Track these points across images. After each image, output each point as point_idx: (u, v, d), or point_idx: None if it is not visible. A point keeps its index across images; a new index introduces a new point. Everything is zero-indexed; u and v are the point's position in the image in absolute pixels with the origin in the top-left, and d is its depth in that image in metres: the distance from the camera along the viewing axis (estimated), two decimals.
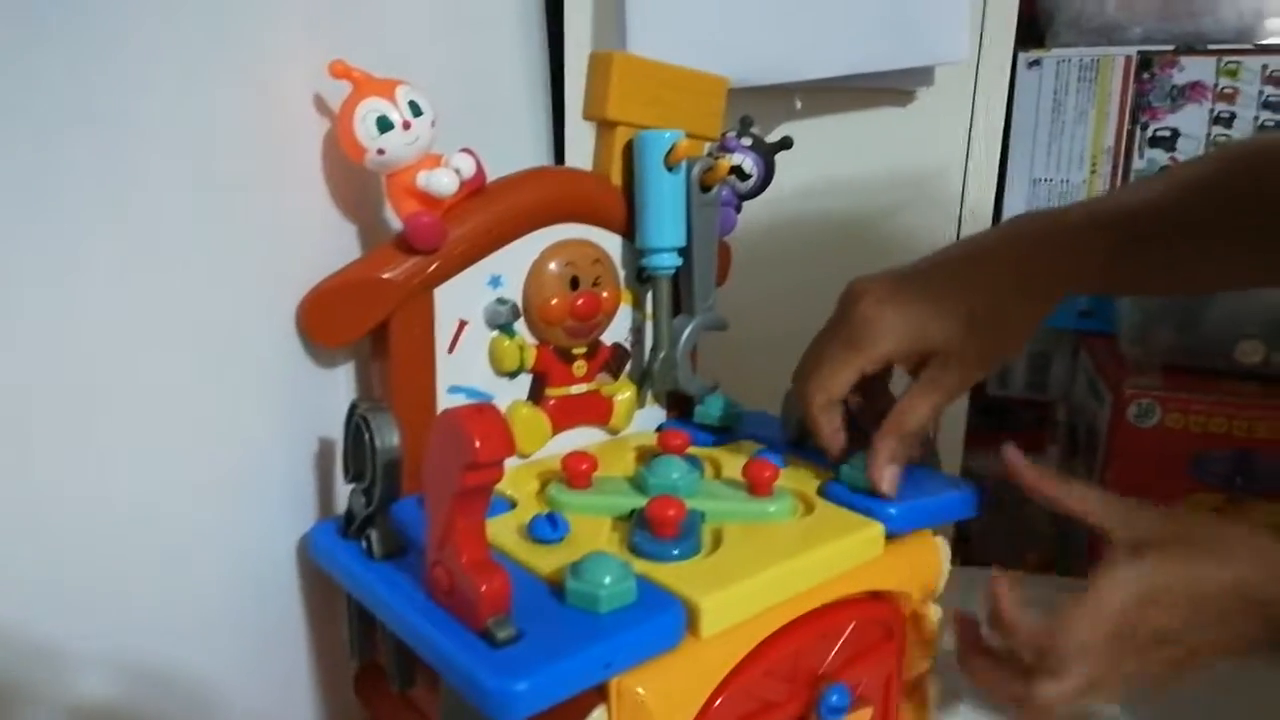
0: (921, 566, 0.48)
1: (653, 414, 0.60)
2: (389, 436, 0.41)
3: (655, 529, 0.43)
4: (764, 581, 0.41)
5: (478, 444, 0.34)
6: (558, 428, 0.54)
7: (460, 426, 0.34)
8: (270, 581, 0.47)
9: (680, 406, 0.60)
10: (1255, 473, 0.77)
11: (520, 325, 0.52)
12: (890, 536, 0.46)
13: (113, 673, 0.40)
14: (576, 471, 0.48)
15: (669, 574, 0.41)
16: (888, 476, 0.48)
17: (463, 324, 0.49)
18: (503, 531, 0.44)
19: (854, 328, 0.49)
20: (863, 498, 0.48)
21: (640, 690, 0.37)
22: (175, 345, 0.41)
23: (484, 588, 0.36)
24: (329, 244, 0.49)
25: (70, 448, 0.37)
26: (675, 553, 0.42)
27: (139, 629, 0.40)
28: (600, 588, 0.38)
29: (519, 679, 0.34)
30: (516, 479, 0.51)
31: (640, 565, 0.41)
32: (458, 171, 0.46)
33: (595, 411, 0.56)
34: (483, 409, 0.35)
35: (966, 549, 0.93)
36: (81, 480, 0.37)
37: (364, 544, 0.43)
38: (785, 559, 0.42)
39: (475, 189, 0.48)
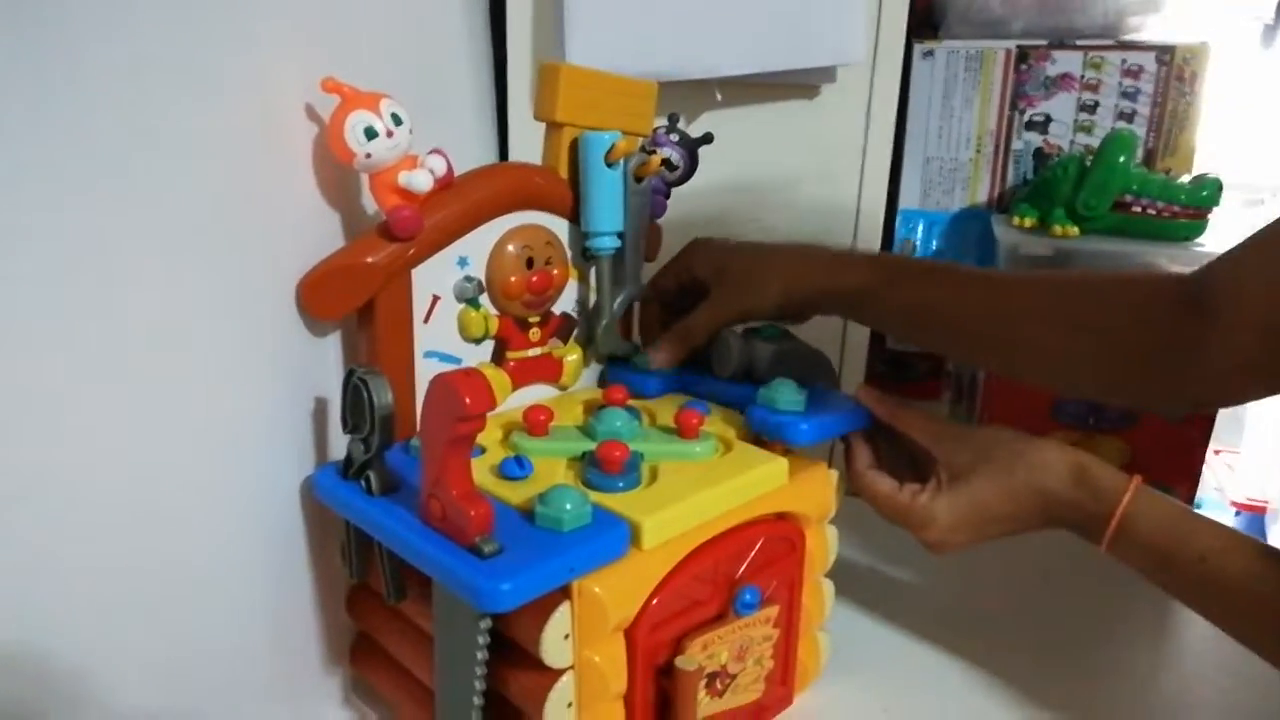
0: (817, 493, 0.59)
1: (594, 373, 0.69)
2: (385, 395, 0.50)
3: (604, 467, 0.53)
4: (691, 505, 0.51)
5: (468, 400, 0.43)
6: (516, 385, 0.63)
7: (454, 386, 0.44)
8: (275, 519, 0.56)
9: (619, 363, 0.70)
10: (1104, 414, 0.90)
11: (484, 299, 0.61)
12: (800, 447, 0.58)
13: (133, 599, 0.47)
14: (536, 421, 0.58)
15: (616, 501, 0.51)
16: (660, 356, 0.67)
17: (436, 299, 0.58)
18: (477, 472, 0.53)
19: (677, 254, 0.70)
20: (780, 419, 0.59)
21: (596, 589, 0.47)
22: (189, 322, 0.48)
23: (472, 512, 0.45)
24: (318, 231, 0.57)
25: (102, 412, 0.44)
26: (620, 485, 0.52)
27: (160, 566, 0.48)
28: (564, 512, 0.47)
29: (504, 580, 0.43)
30: (484, 431, 0.60)
31: (593, 496, 0.51)
32: (432, 171, 0.54)
33: (548, 371, 0.65)
34: (470, 373, 0.44)
35: None
36: (111, 438, 0.44)
37: (363, 484, 0.52)
38: (708, 487, 0.52)
39: (445, 184, 0.57)
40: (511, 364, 0.63)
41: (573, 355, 0.66)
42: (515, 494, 0.51)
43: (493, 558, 0.45)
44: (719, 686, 0.55)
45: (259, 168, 0.52)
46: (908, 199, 1.06)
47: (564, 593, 0.47)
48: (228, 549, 0.52)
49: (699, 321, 0.66)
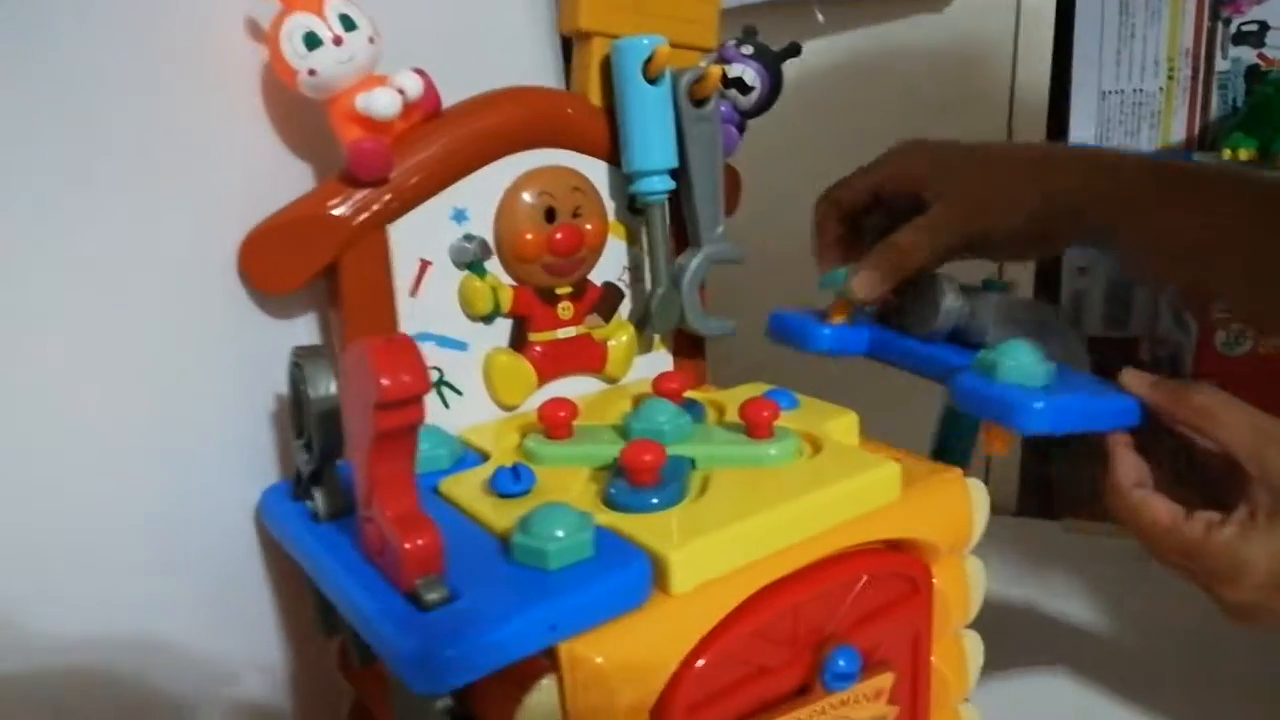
0: (947, 512, 0.42)
1: (658, 359, 0.54)
2: (324, 384, 0.37)
3: (632, 477, 0.38)
4: (747, 530, 0.35)
5: (385, 382, 0.29)
6: (545, 377, 0.49)
7: (365, 362, 0.30)
8: (232, 555, 0.44)
9: (687, 348, 0.55)
10: None
11: (495, 265, 0.47)
12: (1032, 433, 0.42)
13: (67, 669, 0.38)
14: (554, 420, 0.43)
15: (643, 525, 0.36)
16: (863, 279, 0.49)
17: (425, 264, 0.45)
18: (465, 486, 0.40)
19: (881, 156, 0.53)
20: (1003, 391, 0.42)
21: (597, 658, 0.32)
22: (106, 305, 0.38)
23: (408, 545, 0.31)
24: (280, 184, 0.45)
25: None
26: (654, 501, 0.37)
27: (88, 619, 0.39)
28: (549, 541, 0.33)
29: (444, 645, 0.29)
30: (498, 433, 0.46)
31: (612, 518, 0.36)
32: (401, 92, 0.42)
33: (587, 358, 0.51)
34: (392, 340, 0.31)
35: (1045, 501, 0.85)
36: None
37: (310, 504, 0.39)
38: (775, 504, 0.37)
39: (430, 113, 0.44)
40: (537, 349, 0.49)
41: (620, 337, 0.52)
42: (506, 517, 0.37)
43: (437, 609, 0.31)
44: None
45: (194, 108, 0.41)
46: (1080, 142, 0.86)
47: (549, 660, 0.32)
48: (158, 599, 0.41)
49: (920, 240, 0.49)
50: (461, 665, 0.29)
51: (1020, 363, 0.42)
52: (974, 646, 0.45)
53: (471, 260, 0.46)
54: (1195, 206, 0.45)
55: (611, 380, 0.52)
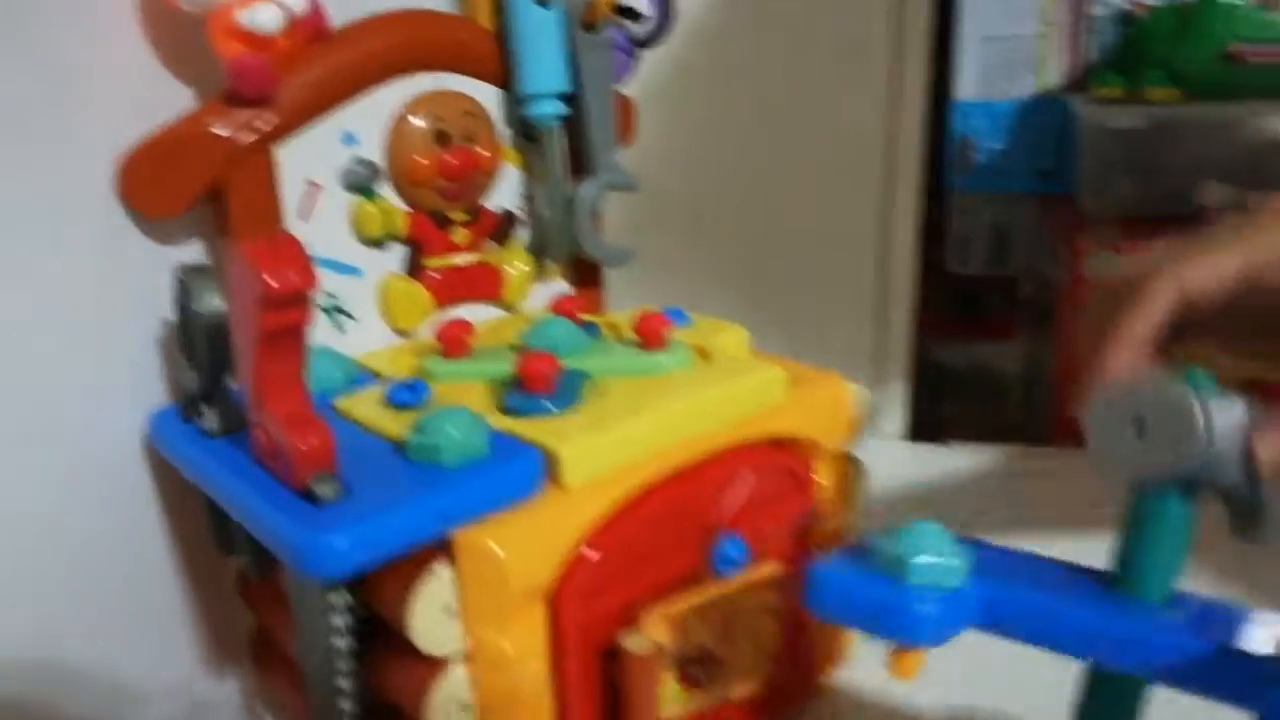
0: (829, 413, 0.44)
1: (556, 288, 0.55)
2: (209, 299, 0.37)
3: (529, 385, 0.39)
4: (637, 426, 0.37)
5: (269, 279, 0.30)
6: (441, 302, 0.50)
7: (249, 260, 0.30)
8: (117, 482, 0.43)
9: (585, 276, 0.56)
10: None
11: (388, 190, 0.47)
12: None
13: None
14: (452, 339, 0.44)
15: (537, 428, 0.37)
16: None
17: (315, 187, 0.45)
18: (361, 402, 0.40)
19: (1252, 226, 0.32)
20: None
21: (490, 543, 0.33)
22: None
23: (300, 443, 0.32)
24: (159, 106, 0.44)
25: None
26: (549, 407, 0.38)
27: None
28: (443, 438, 0.34)
29: (337, 532, 0.30)
30: (393, 358, 0.47)
31: (509, 423, 0.37)
32: (282, 6, 0.41)
33: (484, 285, 0.51)
34: (276, 238, 0.31)
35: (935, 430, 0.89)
36: None
37: (201, 423, 0.39)
38: (664, 403, 0.38)
39: (316, 33, 0.43)
40: (432, 274, 0.49)
41: (517, 264, 0.52)
42: (402, 426, 0.37)
43: (330, 504, 0.32)
44: (700, 675, 0.40)
45: (64, 25, 0.40)
46: (965, 89, 0.89)
47: (444, 550, 0.33)
48: (49, 528, 0.41)
49: None
50: (355, 550, 0.30)
51: None
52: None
53: (362, 184, 0.46)
54: None
55: (509, 308, 0.53)
